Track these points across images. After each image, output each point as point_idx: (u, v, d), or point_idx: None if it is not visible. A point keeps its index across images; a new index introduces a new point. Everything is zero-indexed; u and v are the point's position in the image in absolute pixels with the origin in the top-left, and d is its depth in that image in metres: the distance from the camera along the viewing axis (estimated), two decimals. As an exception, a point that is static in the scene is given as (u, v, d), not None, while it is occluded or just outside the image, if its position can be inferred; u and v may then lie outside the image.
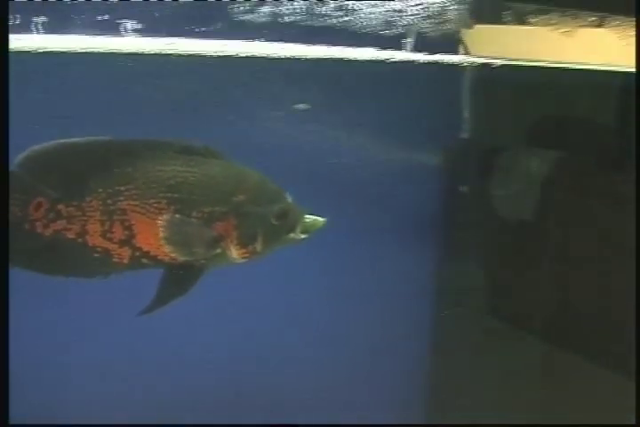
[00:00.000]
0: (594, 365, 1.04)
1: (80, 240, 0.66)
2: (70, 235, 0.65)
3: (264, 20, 0.82)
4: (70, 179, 0.65)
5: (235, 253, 0.69)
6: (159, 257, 0.67)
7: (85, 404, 0.83)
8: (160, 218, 0.66)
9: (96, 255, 0.67)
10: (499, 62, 0.90)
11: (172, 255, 0.67)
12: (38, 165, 0.64)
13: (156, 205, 0.67)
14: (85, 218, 0.65)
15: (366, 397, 0.93)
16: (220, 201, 0.68)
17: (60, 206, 0.65)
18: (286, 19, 0.82)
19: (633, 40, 0.96)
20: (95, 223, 0.66)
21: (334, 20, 0.82)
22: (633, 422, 1.01)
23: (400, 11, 0.83)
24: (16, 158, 0.63)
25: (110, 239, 0.66)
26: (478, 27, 0.93)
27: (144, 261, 0.68)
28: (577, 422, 1.01)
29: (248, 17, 0.80)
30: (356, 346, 0.96)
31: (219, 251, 0.69)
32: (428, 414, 1.02)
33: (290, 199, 0.72)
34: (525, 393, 1.04)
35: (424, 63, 0.86)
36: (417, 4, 0.84)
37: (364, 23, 0.83)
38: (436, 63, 0.86)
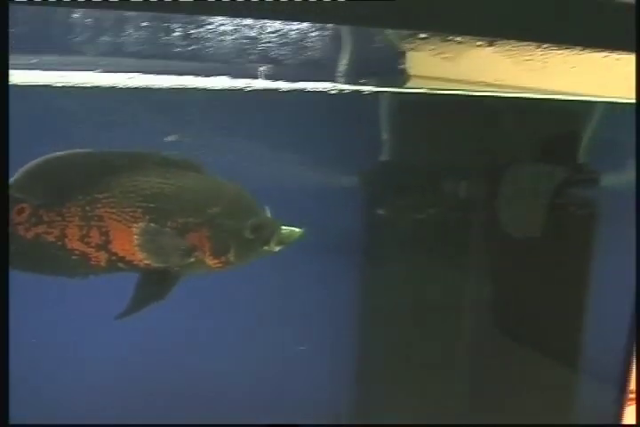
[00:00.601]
0: (526, 364, 1.06)
1: (59, 243, 0.70)
2: (50, 238, 0.70)
3: (105, 49, 0.79)
4: (52, 187, 0.70)
5: (209, 262, 0.72)
6: (134, 262, 0.71)
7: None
8: (135, 226, 0.70)
9: (74, 258, 0.71)
10: (369, 89, 0.87)
11: (147, 262, 0.71)
12: (23, 177, 0.69)
13: (131, 213, 0.70)
14: (65, 223, 0.70)
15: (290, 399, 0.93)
16: (194, 212, 0.71)
17: (42, 212, 0.70)
18: (130, 48, 0.79)
19: (531, 65, 0.93)
20: (74, 228, 0.70)
21: (183, 49, 0.79)
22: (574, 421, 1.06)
23: (255, 38, 0.80)
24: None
25: (88, 243, 0.70)
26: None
27: (120, 265, 0.71)
28: (511, 423, 1.02)
29: (88, 47, 0.77)
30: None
31: (193, 260, 0.71)
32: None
33: (266, 213, 0.74)
34: (456, 395, 1.04)
35: (294, 91, 0.82)
36: (274, 32, 0.80)
37: (217, 52, 0.80)
38: (301, 91, 0.82)
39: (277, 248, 0.75)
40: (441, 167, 0.99)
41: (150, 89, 0.80)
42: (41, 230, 0.70)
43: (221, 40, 0.80)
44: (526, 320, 1.06)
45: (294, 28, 0.81)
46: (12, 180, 0.68)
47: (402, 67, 0.91)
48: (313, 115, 0.85)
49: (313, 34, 0.82)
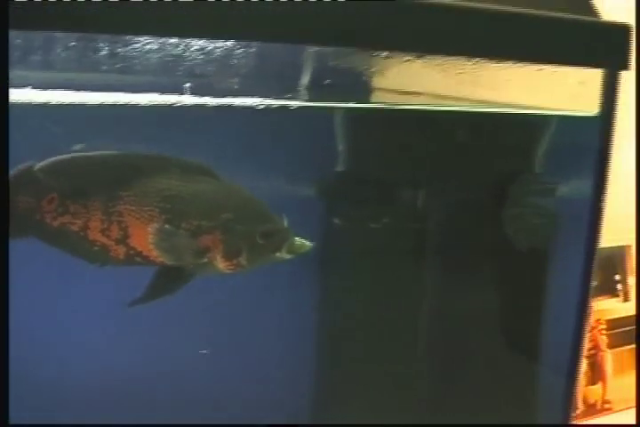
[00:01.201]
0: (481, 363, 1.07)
1: (82, 233, 0.75)
2: (74, 228, 0.75)
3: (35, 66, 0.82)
4: (79, 181, 0.75)
5: (220, 264, 0.76)
6: (151, 258, 0.75)
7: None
8: (151, 225, 0.74)
9: (95, 248, 0.75)
10: (296, 104, 0.89)
11: (161, 259, 0.74)
12: (54, 169, 0.74)
13: (149, 212, 0.74)
14: (88, 215, 0.75)
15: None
16: (207, 216, 0.75)
17: (68, 203, 0.75)
18: (60, 66, 0.82)
19: (463, 78, 0.95)
20: (96, 221, 0.75)
21: (111, 66, 0.82)
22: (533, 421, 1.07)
23: (180, 56, 0.83)
24: (36, 165, 0.73)
25: (108, 236, 0.75)
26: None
27: (137, 259, 0.76)
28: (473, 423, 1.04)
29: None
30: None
31: (205, 260, 0.75)
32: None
33: (280, 222, 0.78)
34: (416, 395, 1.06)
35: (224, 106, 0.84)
36: (199, 49, 0.83)
37: (144, 69, 0.83)
38: (229, 106, 0.85)
39: (288, 256, 0.78)
40: (388, 179, 1.00)
41: (83, 105, 0.83)
42: (66, 220, 0.75)
43: (148, 58, 0.83)
44: (480, 323, 1.07)
45: (219, 45, 0.84)
46: (38, 167, 0.74)
47: (329, 82, 0.93)
48: (248, 130, 0.87)
49: (238, 51, 0.85)
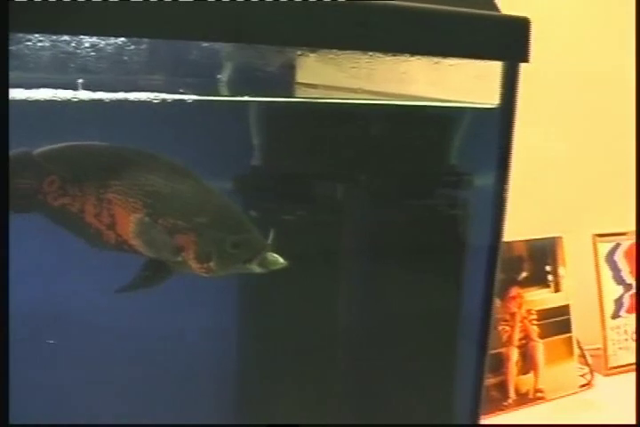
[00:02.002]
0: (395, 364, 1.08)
1: (80, 215, 0.79)
2: (73, 209, 0.79)
3: None
4: (77, 166, 0.79)
5: (193, 265, 0.79)
6: (135, 247, 0.79)
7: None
8: (132, 216, 0.77)
9: (91, 231, 0.79)
10: (193, 98, 0.91)
11: (141, 248, 0.78)
12: (53, 155, 0.79)
13: (133, 204, 0.78)
14: (84, 199, 0.78)
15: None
16: (184, 217, 0.78)
17: (67, 186, 0.79)
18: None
19: (356, 72, 0.97)
20: (90, 205, 0.78)
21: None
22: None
23: (72, 53, 0.85)
24: (34, 151, 0.78)
25: (100, 221, 0.79)
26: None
27: (125, 247, 0.79)
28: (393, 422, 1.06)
29: None
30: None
31: (180, 259, 0.78)
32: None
33: (255, 234, 0.80)
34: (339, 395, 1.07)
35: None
36: (91, 46, 0.85)
37: (37, 65, 0.85)
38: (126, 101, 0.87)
39: (259, 269, 0.80)
40: (302, 172, 1.02)
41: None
42: (66, 201, 0.79)
43: (40, 55, 0.85)
44: (394, 319, 1.08)
45: (111, 42, 0.86)
46: (37, 153, 0.78)
47: (220, 76, 0.95)
48: (153, 125, 0.88)
49: (130, 47, 0.88)
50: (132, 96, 0.88)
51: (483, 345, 1.08)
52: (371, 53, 0.93)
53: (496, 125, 1.01)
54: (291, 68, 1.08)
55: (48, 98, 0.85)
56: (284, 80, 1.09)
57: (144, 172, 0.79)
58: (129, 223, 0.78)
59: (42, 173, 0.79)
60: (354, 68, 0.96)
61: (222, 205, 0.82)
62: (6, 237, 0.68)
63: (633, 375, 1.59)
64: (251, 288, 1.04)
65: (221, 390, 1.05)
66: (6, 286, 0.67)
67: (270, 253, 0.81)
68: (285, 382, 1.06)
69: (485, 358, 1.09)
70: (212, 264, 0.79)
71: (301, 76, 1.06)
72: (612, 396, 1.52)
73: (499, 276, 1.37)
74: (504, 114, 1.00)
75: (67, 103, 0.85)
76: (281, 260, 0.81)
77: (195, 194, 0.81)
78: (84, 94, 0.86)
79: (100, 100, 0.87)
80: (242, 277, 0.98)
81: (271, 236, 0.82)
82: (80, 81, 0.86)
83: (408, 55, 0.94)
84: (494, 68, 0.98)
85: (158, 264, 0.80)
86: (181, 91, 0.91)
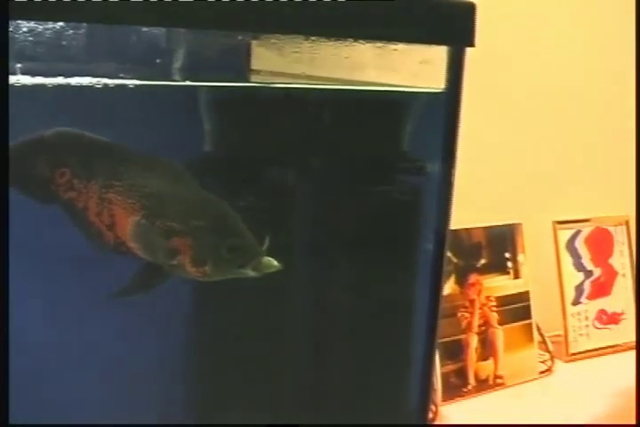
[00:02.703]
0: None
1: (84, 213, 0.79)
2: (79, 205, 0.79)
3: None
4: (84, 161, 0.79)
5: (189, 269, 0.79)
6: (133, 250, 0.79)
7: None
8: (130, 217, 0.78)
9: (93, 230, 0.80)
10: (135, 83, 0.91)
11: (138, 251, 0.78)
12: (66, 140, 0.79)
13: (132, 205, 0.78)
14: (88, 196, 0.79)
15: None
16: (181, 220, 0.78)
17: (75, 180, 0.79)
18: None
19: (299, 57, 0.98)
20: (93, 203, 0.79)
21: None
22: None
23: (10, 38, 0.85)
24: (47, 132, 0.78)
25: (101, 221, 0.79)
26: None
27: (123, 249, 0.79)
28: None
29: None
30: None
31: (176, 262, 0.78)
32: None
33: (250, 239, 0.80)
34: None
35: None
36: (28, 31, 0.85)
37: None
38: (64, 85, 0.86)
39: (253, 273, 0.80)
40: (253, 158, 1.01)
41: None
42: (73, 196, 0.79)
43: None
44: (345, 307, 1.09)
45: (49, 26, 0.86)
46: (50, 136, 0.79)
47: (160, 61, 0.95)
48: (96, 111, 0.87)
49: (69, 32, 0.88)
50: (76, 81, 0.88)
51: (432, 332, 1.09)
52: (313, 38, 0.93)
53: (444, 110, 1.01)
54: (241, 54, 1.08)
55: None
56: (234, 65, 1.09)
57: (144, 173, 0.80)
58: (127, 225, 0.78)
59: (55, 161, 0.79)
60: (296, 52, 0.96)
61: (219, 209, 0.83)
62: (6, 237, 0.69)
63: (593, 362, 1.61)
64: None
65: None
66: (6, 286, 0.68)
67: (265, 258, 0.82)
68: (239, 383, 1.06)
69: (434, 347, 1.11)
70: (207, 268, 0.79)
71: (253, 64, 1.07)
72: (573, 382, 1.53)
73: (458, 263, 1.40)
74: (450, 98, 1.00)
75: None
76: (275, 263, 0.81)
77: (192, 197, 0.82)
78: (26, 79, 0.86)
79: (43, 86, 0.86)
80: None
81: (266, 241, 0.83)
82: (18, 66, 0.86)
83: (351, 40, 0.94)
84: (440, 53, 0.98)
85: (155, 268, 0.80)
86: (127, 76, 0.90)
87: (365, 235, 1.07)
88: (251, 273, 0.80)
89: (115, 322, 0.92)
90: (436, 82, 1.00)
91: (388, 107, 1.07)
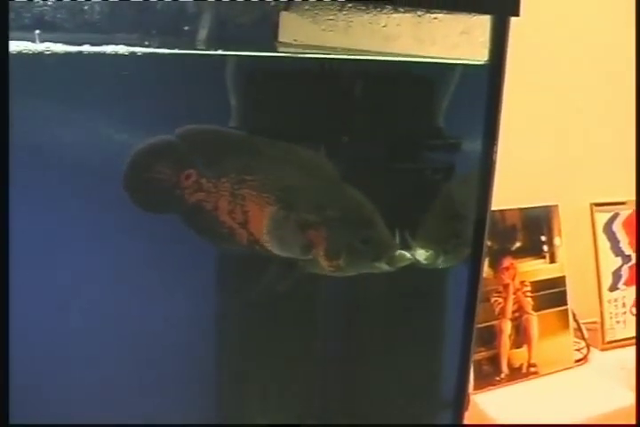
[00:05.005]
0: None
1: (213, 213, 0.79)
2: (207, 207, 0.79)
3: None
4: (213, 159, 0.79)
5: (323, 263, 0.80)
6: (266, 247, 0.79)
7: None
8: (265, 212, 0.78)
9: (224, 231, 0.79)
10: (161, 51, 0.89)
11: (274, 247, 0.79)
12: (194, 141, 0.78)
13: (266, 198, 0.78)
14: (218, 195, 0.79)
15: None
16: (315, 210, 0.79)
17: (203, 180, 0.79)
18: None
19: (334, 27, 0.95)
20: (224, 202, 0.79)
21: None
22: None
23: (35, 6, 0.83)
24: (177, 130, 0.78)
25: (234, 219, 0.79)
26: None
27: (256, 247, 0.80)
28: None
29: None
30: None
31: (311, 257, 0.80)
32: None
33: (385, 232, 0.80)
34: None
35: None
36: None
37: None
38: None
39: (387, 267, 0.81)
40: (282, 133, 0.96)
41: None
42: (201, 198, 0.79)
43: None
44: (376, 295, 1.05)
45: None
46: (178, 135, 0.78)
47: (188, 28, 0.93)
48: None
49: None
50: (102, 49, 0.85)
51: (470, 318, 1.07)
52: (349, 5, 0.90)
53: (484, 84, 0.98)
54: (270, 26, 1.06)
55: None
56: (263, 37, 1.06)
57: (277, 164, 0.80)
58: (261, 220, 0.78)
59: (180, 164, 0.78)
60: (331, 19, 0.93)
61: (356, 201, 0.83)
62: (7, 236, 0.68)
63: (631, 350, 1.57)
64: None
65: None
66: (6, 286, 0.67)
67: (399, 251, 0.82)
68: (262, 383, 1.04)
69: (473, 332, 1.08)
70: (340, 262, 0.79)
71: (280, 36, 1.04)
72: (609, 372, 1.50)
73: (492, 246, 1.37)
74: (493, 71, 0.97)
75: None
76: (408, 255, 0.82)
77: (327, 187, 0.82)
78: (54, 47, 0.82)
79: (69, 54, 0.83)
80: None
81: (397, 234, 0.82)
82: (41, 33, 0.84)
83: (389, 8, 0.91)
84: (483, 23, 0.96)
85: (289, 264, 0.80)
86: (154, 44, 0.87)
87: (396, 214, 1.01)
88: (385, 267, 0.81)
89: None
90: (477, 54, 0.97)
91: (426, 80, 1.04)
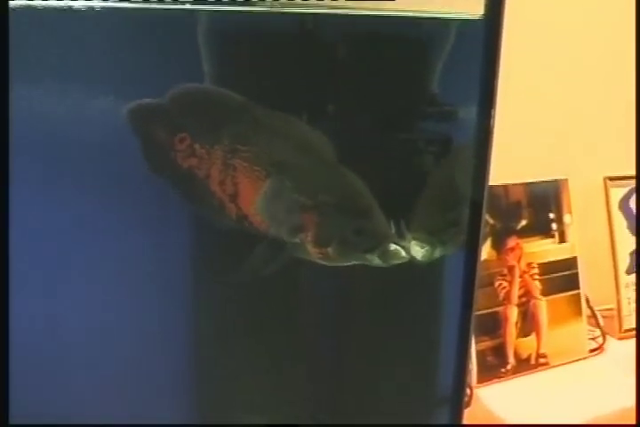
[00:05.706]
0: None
1: (205, 182, 0.77)
2: (200, 174, 0.77)
3: None
4: (207, 124, 0.77)
5: (311, 249, 0.78)
6: (255, 225, 0.78)
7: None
8: (256, 186, 0.76)
9: (214, 202, 0.78)
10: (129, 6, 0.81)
11: (262, 225, 0.77)
12: (186, 104, 0.77)
13: (257, 173, 0.76)
14: (210, 163, 0.77)
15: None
16: (308, 193, 0.77)
17: (196, 146, 0.77)
18: None
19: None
20: (216, 171, 0.77)
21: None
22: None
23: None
24: (168, 93, 0.76)
25: (224, 190, 0.77)
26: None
27: (245, 223, 0.78)
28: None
29: None
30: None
31: (298, 241, 0.77)
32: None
33: (382, 224, 0.78)
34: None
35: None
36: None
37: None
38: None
39: (378, 261, 0.78)
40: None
41: None
42: (194, 163, 0.78)
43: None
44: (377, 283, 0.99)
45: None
46: (170, 100, 0.76)
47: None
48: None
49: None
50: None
51: (467, 305, 0.99)
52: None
53: (481, 41, 0.90)
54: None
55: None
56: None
57: (274, 138, 0.78)
58: (252, 195, 0.76)
59: (174, 126, 0.77)
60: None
61: (350, 186, 0.80)
62: (6, 237, 0.68)
63: (649, 338, 1.48)
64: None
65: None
66: (6, 286, 0.67)
67: (394, 246, 0.78)
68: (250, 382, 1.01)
69: (470, 322, 1.01)
70: (330, 250, 0.77)
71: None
72: (627, 363, 1.41)
73: (495, 225, 1.30)
74: (489, 27, 0.89)
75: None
76: (403, 253, 0.78)
77: (323, 170, 0.79)
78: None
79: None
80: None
81: (394, 225, 0.79)
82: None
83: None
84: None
85: (277, 245, 0.78)
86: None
87: (388, 187, 0.96)
88: (376, 261, 0.78)
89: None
90: (472, 7, 0.90)
91: (416, 38, 0.95)
